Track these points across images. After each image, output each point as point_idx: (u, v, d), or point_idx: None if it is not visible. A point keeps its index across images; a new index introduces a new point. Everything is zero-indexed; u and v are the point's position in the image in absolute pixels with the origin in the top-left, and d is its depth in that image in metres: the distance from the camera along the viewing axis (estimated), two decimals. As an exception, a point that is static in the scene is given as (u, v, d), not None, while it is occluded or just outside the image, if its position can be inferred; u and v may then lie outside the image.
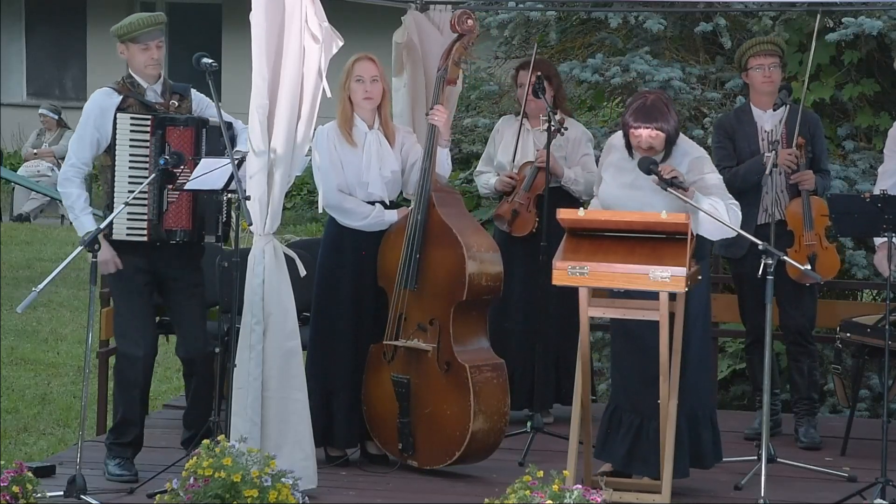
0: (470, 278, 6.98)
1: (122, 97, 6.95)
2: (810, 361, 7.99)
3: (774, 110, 7.74)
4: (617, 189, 6.73)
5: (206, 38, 19.96)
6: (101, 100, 6.98)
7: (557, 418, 8.04)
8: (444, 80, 7.34)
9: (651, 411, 6.63)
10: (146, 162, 6.88)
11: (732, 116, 8.10)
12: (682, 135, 6.86)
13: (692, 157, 6.74)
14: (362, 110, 7.19)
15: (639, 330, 6.59)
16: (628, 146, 6.75)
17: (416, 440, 7.12)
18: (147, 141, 6.90)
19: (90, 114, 6.95)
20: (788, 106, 7.65)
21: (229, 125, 6.88)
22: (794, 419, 7.96)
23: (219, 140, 6.71)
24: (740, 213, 6.70)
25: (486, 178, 8.28)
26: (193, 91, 7.11)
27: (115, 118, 6.90)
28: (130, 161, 6.89)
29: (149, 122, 6.91)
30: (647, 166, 6.55)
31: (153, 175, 6.79)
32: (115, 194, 6.90)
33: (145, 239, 6.90)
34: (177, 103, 6.99)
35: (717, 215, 6.52)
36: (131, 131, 6.90)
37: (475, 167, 10.37)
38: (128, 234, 6.90)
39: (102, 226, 6.62)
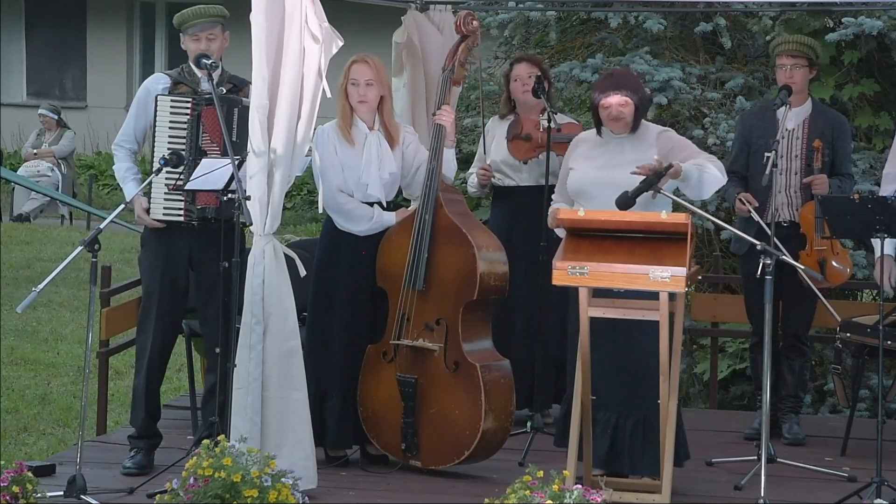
0: (481, 278, 6.99)
1: (172, 82, 7.03)
2: (803, 361, 8.04)
3: (774, 110, 7.75)
4: (593, 171, 6.75)
5: (206, 38, 19.91)
6: (149, 84, 7.12)
7: (557, 418, 8.04)
8: (451, 81, 7.35)
9: (626, 408, 6.64)
10: (184, 143, 6.93)
11: (757, 111, 8.13)
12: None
13: (658, 132, 6.86)
14: (361, 112, 7.19)
15: (601, 326, 6.59)
16: (598, 125, 6.82)
17: (420, 440, 7.11)
18: (185, 123, 6.94)
19: (138, 97, 7.12)
20: (812, 104, 7.76)
21: None
22: (778, 415, 7.96)
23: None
24: (721, 164, 6.82)
25: (473, 180, 8.30)
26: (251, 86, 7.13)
27: (156, 101, 6.95)
28: (169, 143, 6.93)
29: (189, 104, 6.95)
30: (625, 200, 6.52)
31: (152, 175, 6.82)
32: (154, 177, 6.93)
33: (181, 218, 6.95)
34: (224, 90, 6.98)
35: (708, 170, 6.66)
36: (171, 113, 6.95)
37: (475, 167, 10.38)
38: (164, 214, 6.95)
39: (102, 226, 6.62)
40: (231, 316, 6.57)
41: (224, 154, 6.82)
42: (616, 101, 6.72)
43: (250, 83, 7.07)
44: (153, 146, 6.99)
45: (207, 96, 6.94)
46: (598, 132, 6.86)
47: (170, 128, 6.95)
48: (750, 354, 8.30)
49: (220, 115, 6.67)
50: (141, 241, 7.17)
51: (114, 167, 7.18)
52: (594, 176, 6.74)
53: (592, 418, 6.69)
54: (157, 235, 7.02)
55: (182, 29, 7.05)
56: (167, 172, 6.84)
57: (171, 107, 6.95)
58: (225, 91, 7.01)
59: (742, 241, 7.59)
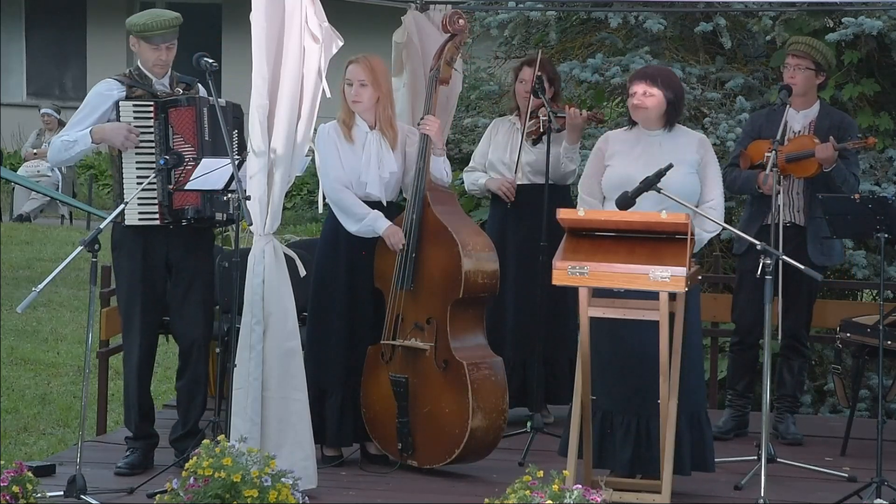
0: (466, 276, 7.00)
1: (126, 88, 7.01)
2: (801, 361, 8.05)
3: (774, 110, 7.75)
4: (633, 167, 6.74)
5: (206, 38, 19.96)
6: (104, 89, 7.06)
7: (557, 418, 8.04)
8: (437, 80, 7.37)
9: (648, 410, 6.63)
10: (152, 147, 6.93)
11: (764, 113, 8.12)
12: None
13: (699, 138, 6.92)
14: (357, 111, 7.20)
15: (623, 331, 6.60)
16: (631, 119, 6.88)
17: (415, 440, 7.12)
18: (151, 126, 6.94)
19: (90, 101, 7.03)
20: (820, 106, 7.78)
21: (236, 106, 6.99)
22: (774, 415, 7.97)
23: (223, 119, 6.68)
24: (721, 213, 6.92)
25: (477, 177, 8.28)
26: (200, 85, 7.14)
27: (118, 107, 6.95)
28: (136, 147, 6.93)
29: (151, 108, 6.95)
30: (625, 200, 6.54)
31: (152, 175, 6.82)
32: (125, 181, 6.95)
33: (157, 222, 6.94)
34: (181, 90, 7.02)
35: (703, 232, 6.79)
36: (135, 118, 6.95)
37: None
38: (140, 219, 6.94)
39: (102, 226, 6.63)
40: (232, 315, 6.58)
41: (199, 153, 6.84)
42: (640, 90, 6.75)
43: (198, 81, 7.10)
44: (120, 152, 6.95)
45: (170, 98, 6.97)
46: (631, 127, 6.91)
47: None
48: (729, 354, 8.28)
49: (222, 116, 6.68)
50: (113, 242, 7.09)
51: (56, 144, 6.99)
52: (636, 171, 6.69)
53: (610, 423, 6.70)
54: (132, 237, 6.99)
55: (141, 35, 6.99)
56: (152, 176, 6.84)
57: (135, 112, 6.95)
58: (182, 91, 7.04)
59: (742, 240, 7.59)
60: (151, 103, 6.96)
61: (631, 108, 6.85)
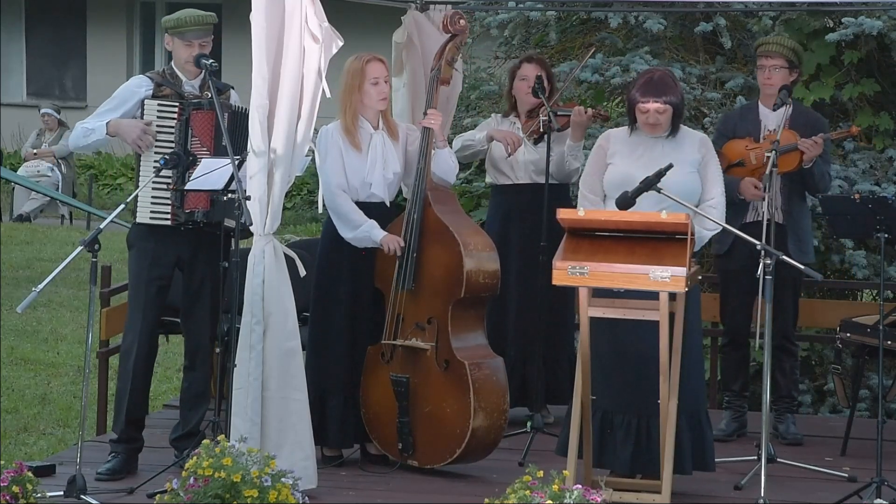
0: (468, 275, 7.00)
1: (154, 85, 7.01)
2: (792, 360, 8.04)
3: (774, 110, 7.75)
4: (635, 168, 6.75)
5: (206, 38, 19.92)
6: (133, 85, 7.08)
7: (557, 418, 8.04)
8: (438, 80, 7.38)
9: (648, 410, 6.63)
10: (171, 147, 6.92)
11: (737, 113, 8.13)
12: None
13: (700, 138, 6.94)
14: (369, 111, 7.19)
15: (623, 331, 6.60)
16: (632, 122, 6.86)
17: (415, 439, 7.13)
18: (172, 126, 6.94)
19: (119, 94, 7.05)
20: (791, 106, 7.69)
21: None
22: (774, 415, 7.96)
23: (244, 127, 6.68)
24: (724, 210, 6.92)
25: (473, 133, 8.17)
26: (233, 91, 7.13)
27: (142, 105, 6.95)
28: (156, 147, 6.93)
29: (176, 108, 6.95)
30: (625, 200, 6.55)
31: (150, 177, 6.82)
32: (140, 179, 6.95)
33: (169, 222, 6.94)
34: (209, 94, 7.00)
35: (704, 231, 6.80)
36: (158, 117, 6.94)
37: (474, 167, 10.32)
38: (151, 218, 6.94)
39: (102, 226, 6.63)
40: (231, 315, 6.58)
41: (214, 156, 6.84)
42: (654, 108, 6.75)
43: (232, 87, 7.10)
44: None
45: (194, 101, 6.96)
46: (631, 130, 6.89)
47: (157, 131, 6.94)
48: (720, 355, 8.27)
49: (221, 120, 6.68)
50: (127, 242, 7.11)
51: (78, 130, 6.99)
52: (637, 171, 6.70)
53: (610, 423, 6.70)
54: (144, 236, 7.00)
55: (175, 32, 7.00)
56: (157, 176, 6.84)
57: (159, 111, 6.95)
58: (210, 95, 7.02)
59: (722, 241, 7.60)
60: (177, 104, 6.95)
61: (645, 126, 6.81)
